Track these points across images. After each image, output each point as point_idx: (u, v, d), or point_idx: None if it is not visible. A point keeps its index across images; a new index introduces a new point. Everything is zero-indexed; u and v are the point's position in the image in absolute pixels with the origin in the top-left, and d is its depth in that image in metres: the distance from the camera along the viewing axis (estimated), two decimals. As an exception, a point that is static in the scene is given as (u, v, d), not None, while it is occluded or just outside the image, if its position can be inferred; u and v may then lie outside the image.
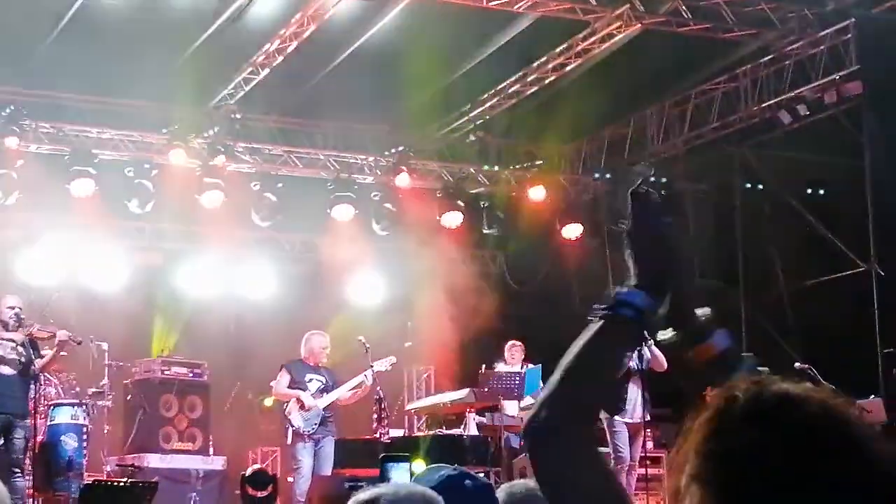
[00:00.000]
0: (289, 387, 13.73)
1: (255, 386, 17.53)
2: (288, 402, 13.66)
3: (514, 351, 15.11)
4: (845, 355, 16.96)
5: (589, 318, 2.28)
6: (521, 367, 14.87)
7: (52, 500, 13.51)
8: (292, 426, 13.50)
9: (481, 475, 3.75)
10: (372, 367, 13.76)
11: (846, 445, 1.75)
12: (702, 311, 2.58)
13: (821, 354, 14.84)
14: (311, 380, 13.73)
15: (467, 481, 3.50)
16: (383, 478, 9.45)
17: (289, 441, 13.66)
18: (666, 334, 2.60)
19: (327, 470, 13.40)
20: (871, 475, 1.74)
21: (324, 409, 13.60)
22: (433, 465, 3.60)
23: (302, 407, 13.50)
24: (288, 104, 16.97)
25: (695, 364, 2.72)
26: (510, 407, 14.32)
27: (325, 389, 13.70)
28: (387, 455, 10.23)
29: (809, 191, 17.96)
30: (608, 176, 18.42)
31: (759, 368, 2.87)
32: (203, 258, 18.17)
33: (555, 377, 2.20)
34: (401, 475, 8.90)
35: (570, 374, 2.20)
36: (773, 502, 1.73)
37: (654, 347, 13.05)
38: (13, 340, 12.66)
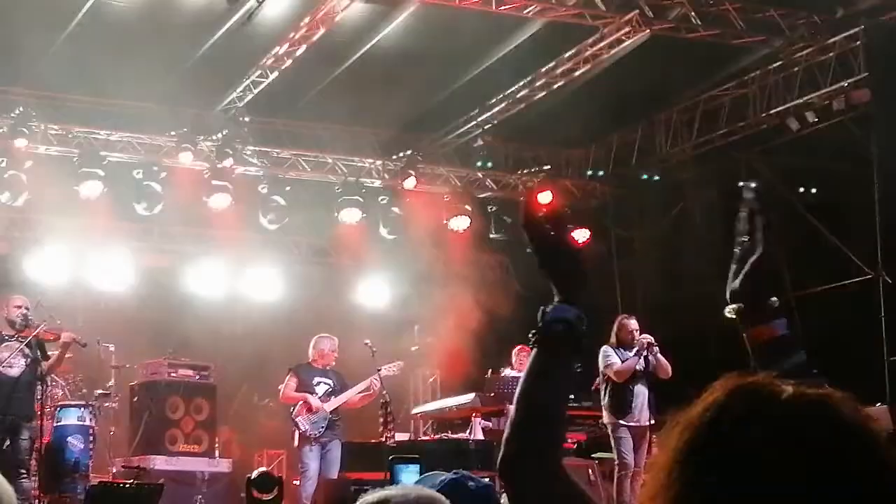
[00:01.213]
0: (296, 390, 13.70)
1: (261, 388, 17.55)
2: (295, 405, 13.65)
3: (521, 356, 15.06)
4: (852, 363, 16.96)
5: (530, 342, 2.44)
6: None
7: (58, 501, 13.52)
8: (299, 429, 13.49)
9: (486, 480, 3.76)
10: (379, 370, 13.73)
11: (846, 453, 1.70)
12: (773, 299, 2.80)
13: (827, 362, 14.81)
14: (318, 383, 13.70)
15: (470, 483, 3.52)
16: (392, 480, 9.44)
17: (296, 444, 13.65)
18: (732, 309, 2.81)
19: (334, 473, 13.39)
20: (873, 477, 1.69)
21: (331, 412, 13.58)
22: (433, 472, 3.62)
23: (309, 410, 13.48)
24: (296, 107, 16.99)
25: (750, 341, 2.88)
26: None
27: (332, 392, 13.67)
28: (396, 457, 10.22)
29: (817, 198, 17.93)
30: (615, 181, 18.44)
31: (806, 366, 2.99)
32: (211, 260, 18.19)
33: (514, 408, 2.33)
34: (410, 478, 8.89)
35: (527, 402, 2.33)
36: None
37: (659, 355, 13.05)
38: (20, 341, 12.66)
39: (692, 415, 1.78)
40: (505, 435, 2.29)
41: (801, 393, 1.77)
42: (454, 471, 3.62)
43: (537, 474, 2.25)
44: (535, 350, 2.42)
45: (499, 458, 2.27)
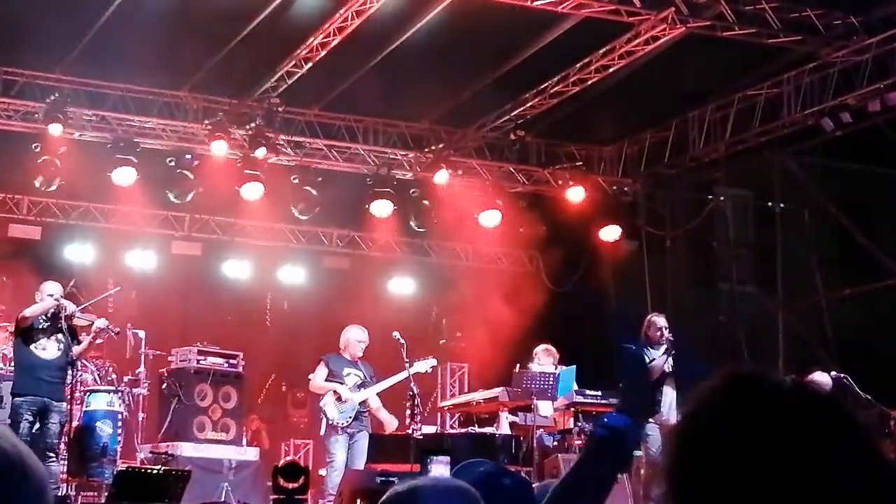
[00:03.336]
0: (326, 380, 13.73)
1: (289, 378, 17.61)
2: (324, 394, 13.67)
3: (544, 354, 14.99)
4: (883, 364, 16.87)
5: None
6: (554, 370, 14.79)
7: (86, 485, 13.62)
8: (327, 418, 13.51)
9: (523, 476, 3.75)
10: (410, 366, 13.71)
11: (837, 445, 1.72)
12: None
13: (858, 363, 14.76)
14: (348, 374, 13.72)
15: (506, 479, 3.48)
16: (423, 471, 9.44)
17: (322, 433, 13.67)
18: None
19: (360, 464, 13.41)
20: (860, 467, 1.71)
21: (359, 403, 13.61)
22: (471, 461, 3.60)
23: (339, 399, 13.49)
24: (330, 98, 17.01)
25: None
26: (543, 407, 14.29)
27: (362, 384, 13.69)
28: (427, 448, 10.24)
29: (850, 199, 17.87)
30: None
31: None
32: (241, 249, 18.27)
33: (556, 491, 2.67)
34: (440, 469, 8.90)
35: (568, 489, 2.65)
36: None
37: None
38: (52, 326, 12.75)
39: (691, 407, 1.82)
40: None
41: (798, 385, 1.80)
42: (492, 464, 3.59)
43: None
44: (584, 448, 2.77)
45: None
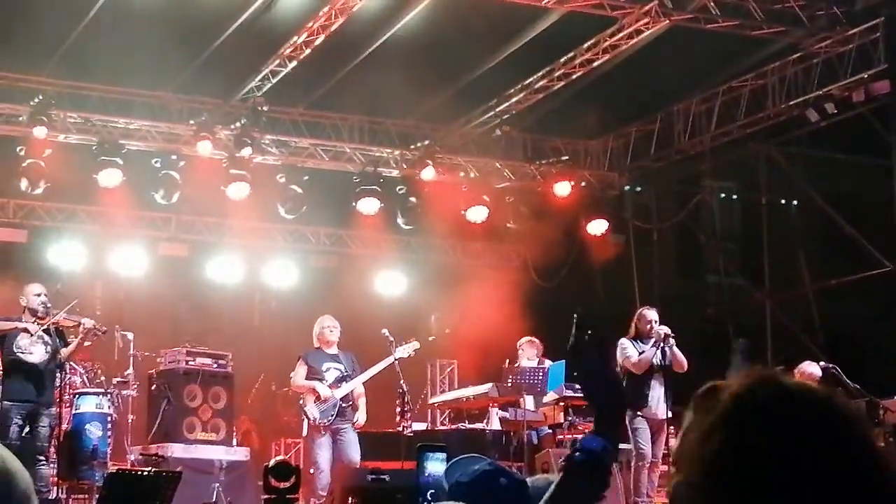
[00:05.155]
0: (307, 377, 13.55)
1: (279, 378, 17.58)
2: (305, 394, 13.54)
3: (528, 346, 14.97)
4: (870, 354, 16.91)
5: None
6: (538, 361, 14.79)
7: (76, 488, 13.58)
8: (308, 418, 13.37)
9: (519, 475, 3.74)
10: (394, 350, 13.62)
11: (852, 448, 1.74)
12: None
13: (845, 353, 14.81)
14: (328, 369, 13.50)
15: (502, 479, 3.48)
16: (419, 468, 9.39)
17: (304, 433, 13.56)
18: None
19: (355, 457, 13.17)
20: (878, 480, 1.73)
21: (341, 399, 13.44)
22: (468, 456, 3.61)
23: (318, 398, 13.34)
24: (315, 97, 17.00)
25: None
26: (531, 402, 14.29)
27: (343, 378, 13.48)
28: (423, 445, 10.20)
29: (836, 189, 17.91)
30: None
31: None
32: (229, 249, 18.24)
33: None
34: (436, 466, 8.87)
35: None
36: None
37: (675, 348, 13.00)
38: (40, 329, 12.71)
39: (714, 408, 1.81)
40: None
41: (810, 388, 1.81)
42: (489, 461, 3.59)
43: None
44: (560, 474, 2.73)
45: None
